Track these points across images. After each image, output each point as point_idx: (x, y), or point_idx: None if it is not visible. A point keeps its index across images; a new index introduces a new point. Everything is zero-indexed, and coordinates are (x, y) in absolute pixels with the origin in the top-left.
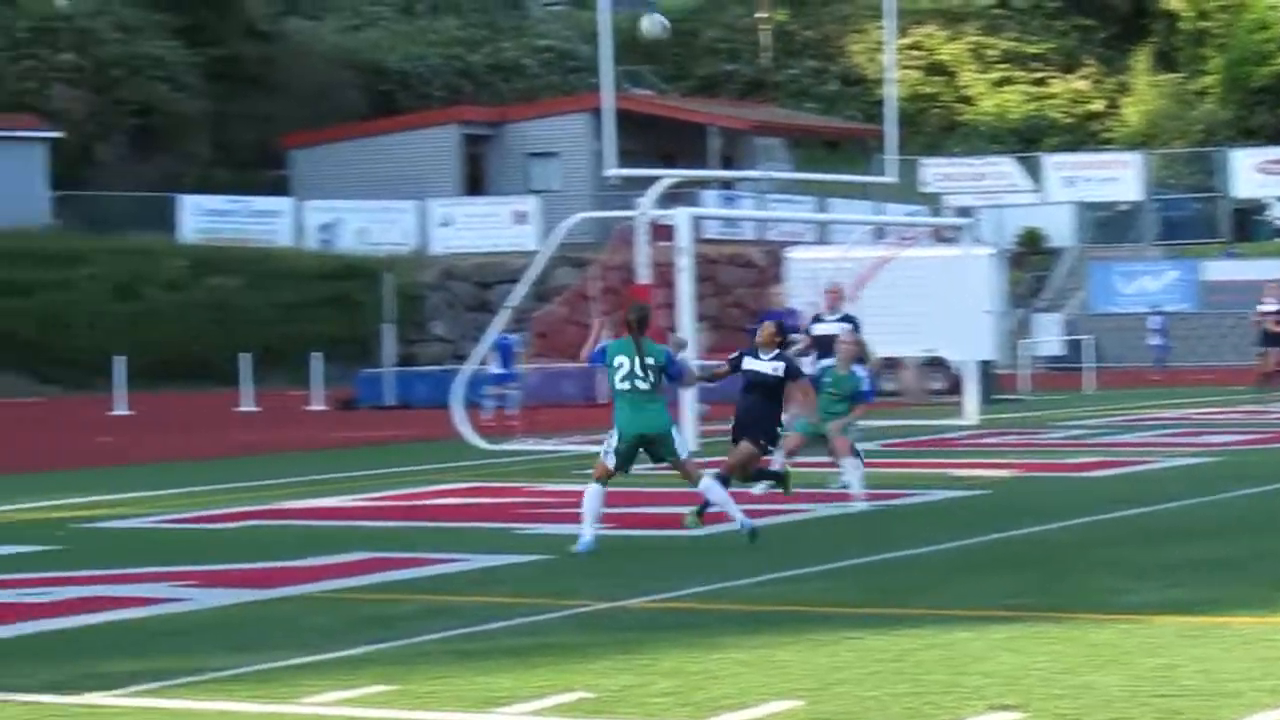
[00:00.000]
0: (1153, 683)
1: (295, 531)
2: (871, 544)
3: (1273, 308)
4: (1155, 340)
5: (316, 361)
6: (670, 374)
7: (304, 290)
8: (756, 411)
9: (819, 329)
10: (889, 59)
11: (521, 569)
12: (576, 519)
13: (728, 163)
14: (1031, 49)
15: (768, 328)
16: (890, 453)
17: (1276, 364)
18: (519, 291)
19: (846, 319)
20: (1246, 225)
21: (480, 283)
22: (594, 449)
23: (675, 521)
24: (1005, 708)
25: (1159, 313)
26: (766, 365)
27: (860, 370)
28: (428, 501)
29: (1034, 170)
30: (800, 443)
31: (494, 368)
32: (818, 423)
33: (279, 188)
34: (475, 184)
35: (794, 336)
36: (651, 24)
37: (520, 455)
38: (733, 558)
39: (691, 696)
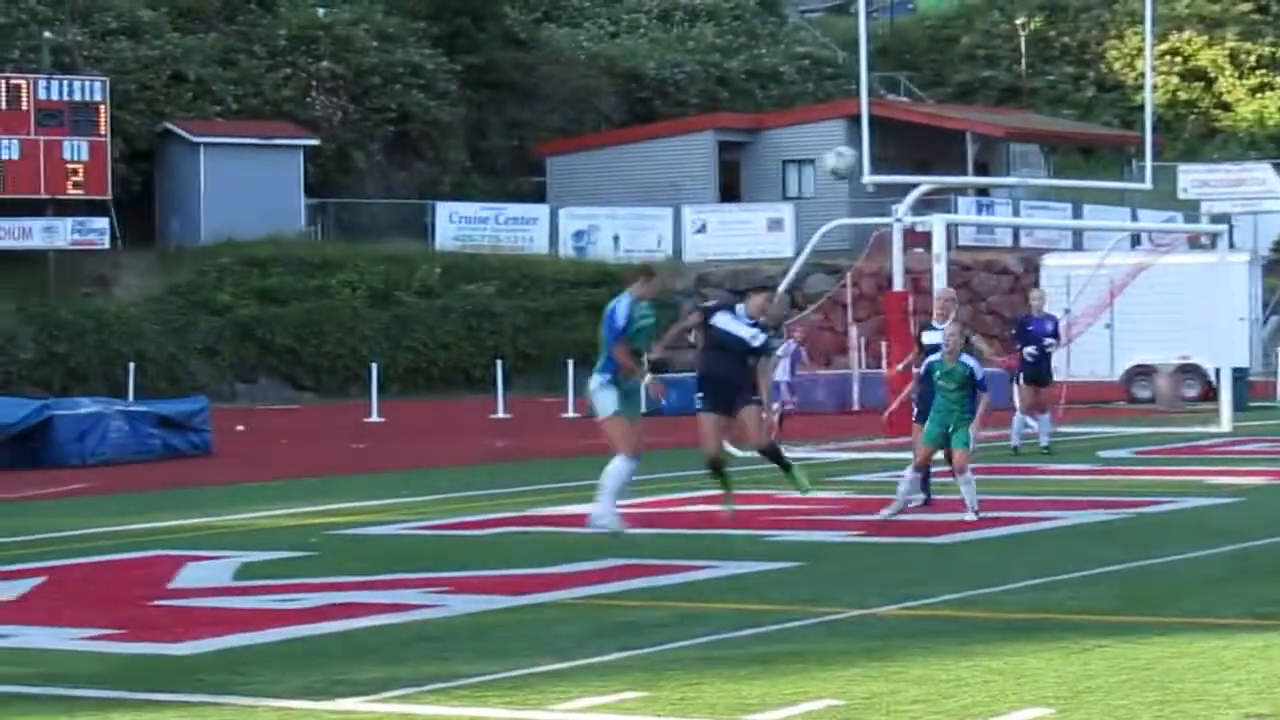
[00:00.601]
0: None
1: (548, 538)
2: (1123, 551)
3: None
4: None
5: (569, 369)
6: None
7: (558, 297)
8: (737, 378)
9: (929, 337)
10: (1147, 65)
11: (772, 575)
12: (827, 525)
13: (983, 169)
14: None
15: (755, 299)
16: (1144, 459)
17: None
18: (775, 298)
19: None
20: None
21: (734, 290)
22: (849, 455)
23: (931, 528)
24: (1258, 717)
25: None
26: (745, 330)
27: (968, 359)
28: (678, 509)
29: None
30: (929, 455)
31: (783, 375)
32: (934, 424)
33: (535, 195)
34: (730, 191)
35: (1048, 341)
36: (838, 159)
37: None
38: (983, 564)
39: (941, 704)
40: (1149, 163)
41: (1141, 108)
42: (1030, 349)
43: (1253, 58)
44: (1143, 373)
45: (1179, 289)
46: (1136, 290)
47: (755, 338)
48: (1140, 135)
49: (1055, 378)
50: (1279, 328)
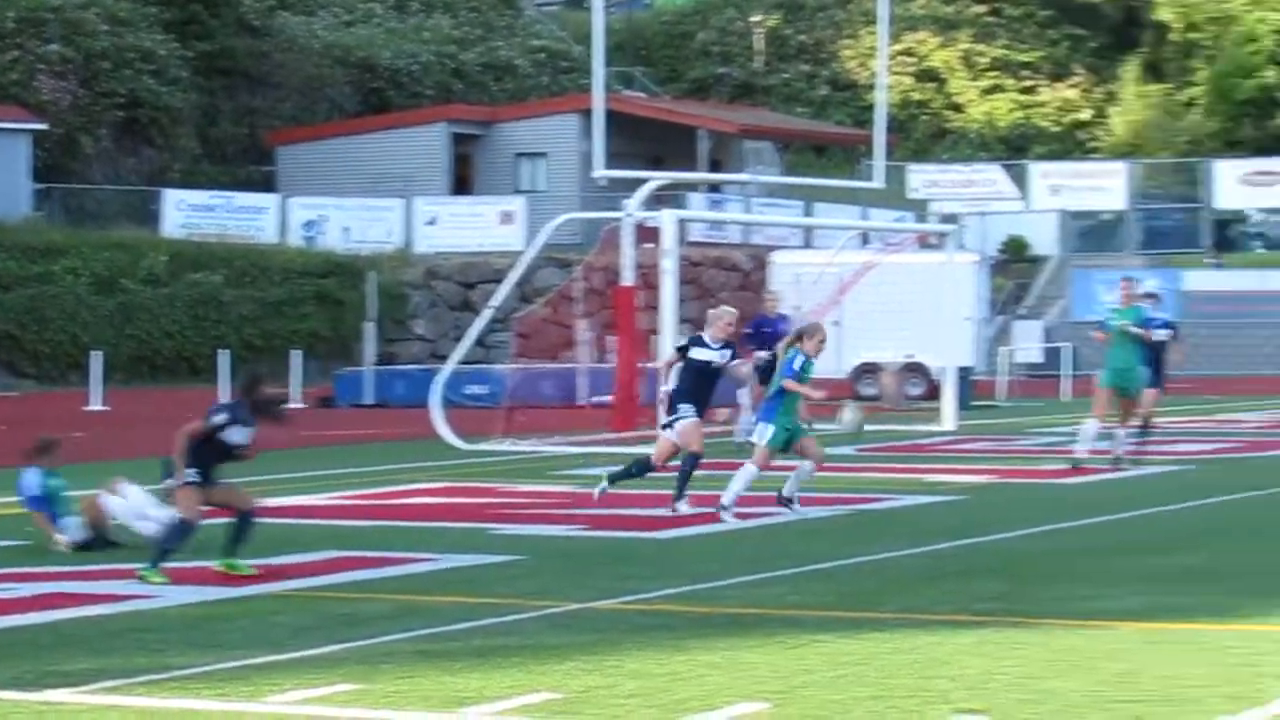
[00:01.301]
0: (1115, 688)
1: (267, 529)
2: (843, 548)
3: None
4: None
5: (297, 359)
6: None
7: (287, 287)
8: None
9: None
10: (880, 65)
11: (493, 569)
12: (550, 520)
13: (716, 166)
14: (1022, 57)
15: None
16: (866, 457)
17: None
18: (502, 291)
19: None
20: (1229, 236)
21: (464, 282)
22: (575, 450)
23: (648, 524)
24: (970, 712)
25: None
26: (714, 354)
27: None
28: (401, 501)
29: (1020, 178)
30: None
31: None
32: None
33: (265, 184)
34: (463, 183)
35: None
36: (853, 416)
37: (497, 455)
38: (704, 561)
39: (657, 698)
40: (880, 162)
41: (874, 107)
42: (763, 353)
43: (985, 59)
44: (869, 371)
45: (907, 288)
46: (865, 289)
47: (722, 356)
48: (872, 134)
49: None
50: (1004, 328)
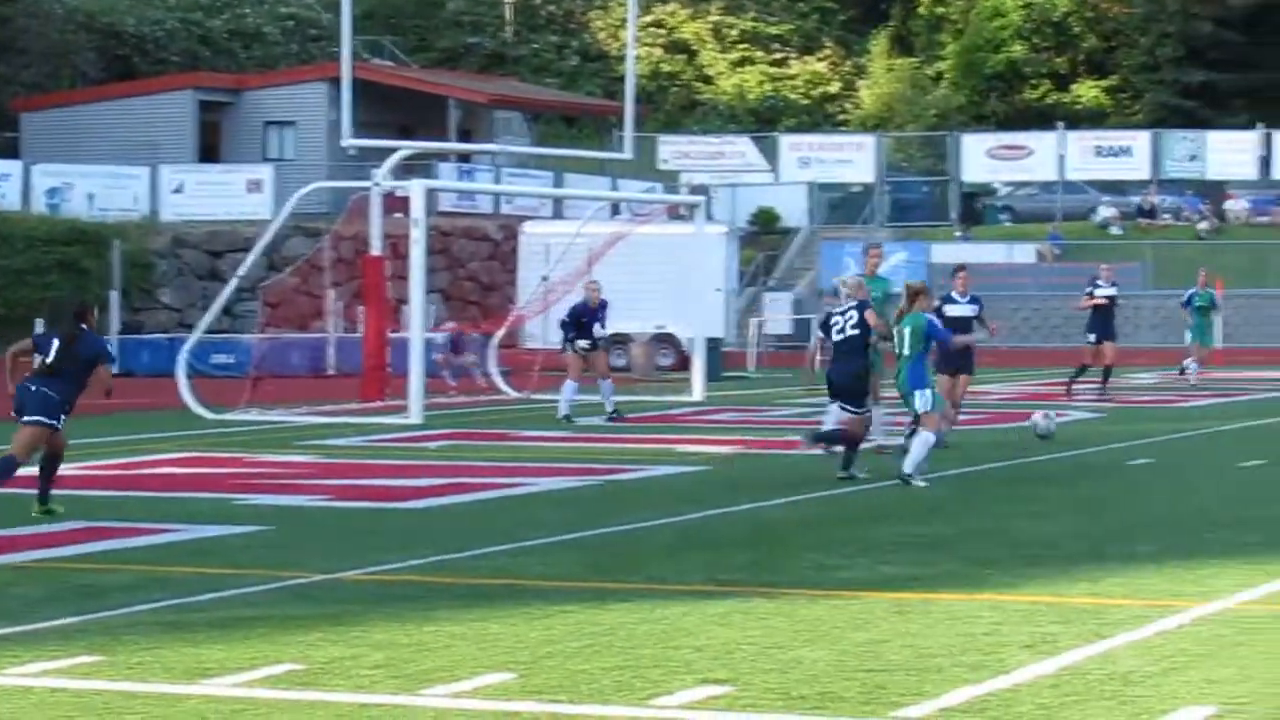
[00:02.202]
0: (860, 657)
1: (7, 500)
2: (592, 519)
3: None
4: None
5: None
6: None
7: (30, 255)
8: None
9: (951, 310)
10: (630, 36)
11: (238, 539)
12: (296, 490)
13: (466, 136)
14: (771, 30)
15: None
16: (616, 427)
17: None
18: (249, 260)
19: (974, 300)
20: (974, 209)
21: (211, 251)
22: (322, 420)
23: (397, 494)
24: (715, 681)
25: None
26: None
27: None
28: (147, 471)
29: (770, 150)
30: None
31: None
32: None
33: (9, 151)
34: (211, 151)
35: (597, 330)
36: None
37: (244, 425)
38: (453, 531)
39: (403, 669)
40: (630, 133)
41: (624, 78)
42: (583, 341)
43: (735, 32)
44: (619, 341)
45: (657, 259)
46: (615, 259)
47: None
48: (622, 105)
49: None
50: (754, 299)
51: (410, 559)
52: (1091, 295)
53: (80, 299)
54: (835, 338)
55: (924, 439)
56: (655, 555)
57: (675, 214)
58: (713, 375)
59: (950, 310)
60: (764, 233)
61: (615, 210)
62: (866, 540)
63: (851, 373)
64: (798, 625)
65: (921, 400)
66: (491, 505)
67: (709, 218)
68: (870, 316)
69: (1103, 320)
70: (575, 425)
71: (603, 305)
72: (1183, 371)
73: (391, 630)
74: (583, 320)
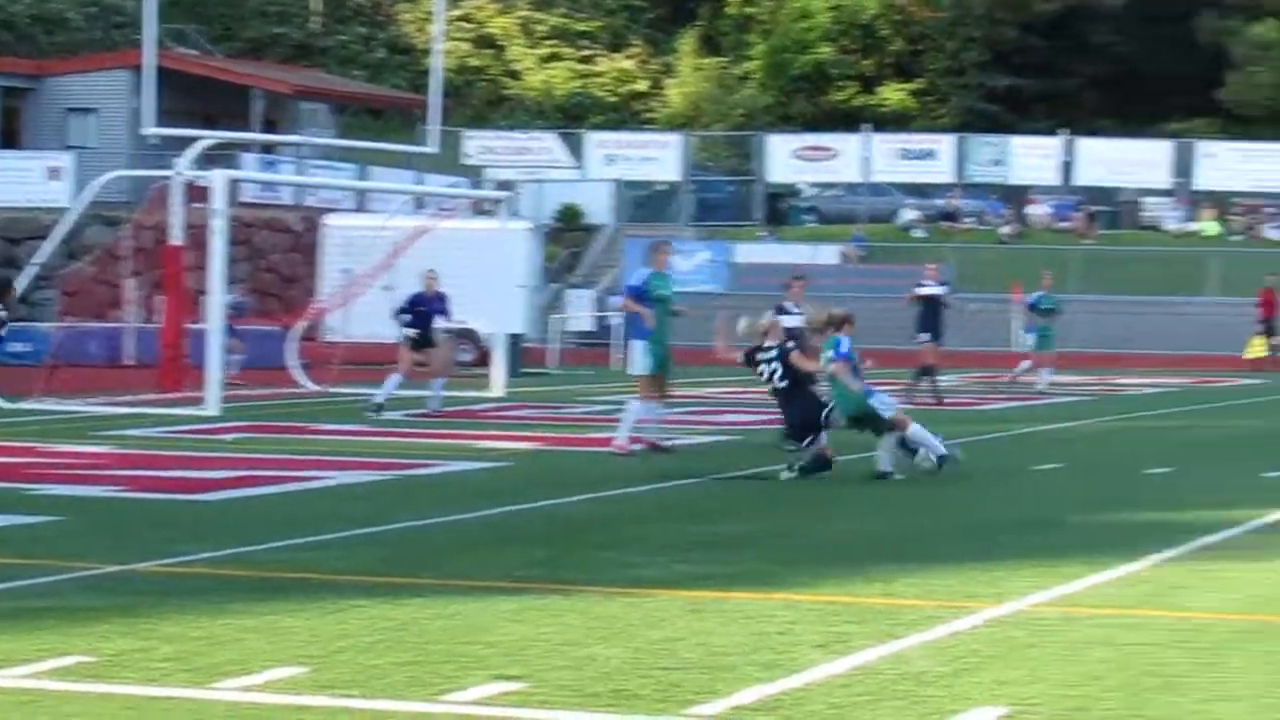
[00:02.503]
0: (654, 655)
1: None
2: (389, 514)
3: (936, 290)
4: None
5: None
6: None
7: None
8: None
9: (787, 321)
10: (437, 29)
11: (28, 530)
12: (90, 480)
13: (271, 127)
14: (580, 26)
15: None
16: (415, 423)
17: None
18: (46, 249)
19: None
20: (779, 210)
21: (9, 238)
22: (118, 410)
23: (192, 486)
24: (508, 678)
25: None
26: None
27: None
28: None
29: (576, 147)
30: None
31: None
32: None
33: None
34: (10, 137)
35: (439, 321)
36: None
37: (39, 414)
38: (249, 524)
39: (193, 661)
40: (435, 127)
41: (431, 72)
42: (411, 331)
43: (543, 27)
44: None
45: (460, 254)
46: (418, 254)
47: None
48: (428, 99)
49: (332, 338)
50: (557, 296)
51: (204, 551)
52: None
53: None
54: (767, 386)
55: (889, 442)
56: (451, 551)
57: (480, 209)
58: (513, 371)
59: (787, 321)
60: (568, 229)
61: (419, 204)
62: (663, 538)
63: (799, 418)
64: (592, 622)
65: (883, 407)
66: (287, 499)
67: (513, 213)
68: (798, 360)
69: (928, 320)
70: (377, 420)
71: (440, 296)
72: (1014, 378)
73: (183, 623)
74: (419, 309)
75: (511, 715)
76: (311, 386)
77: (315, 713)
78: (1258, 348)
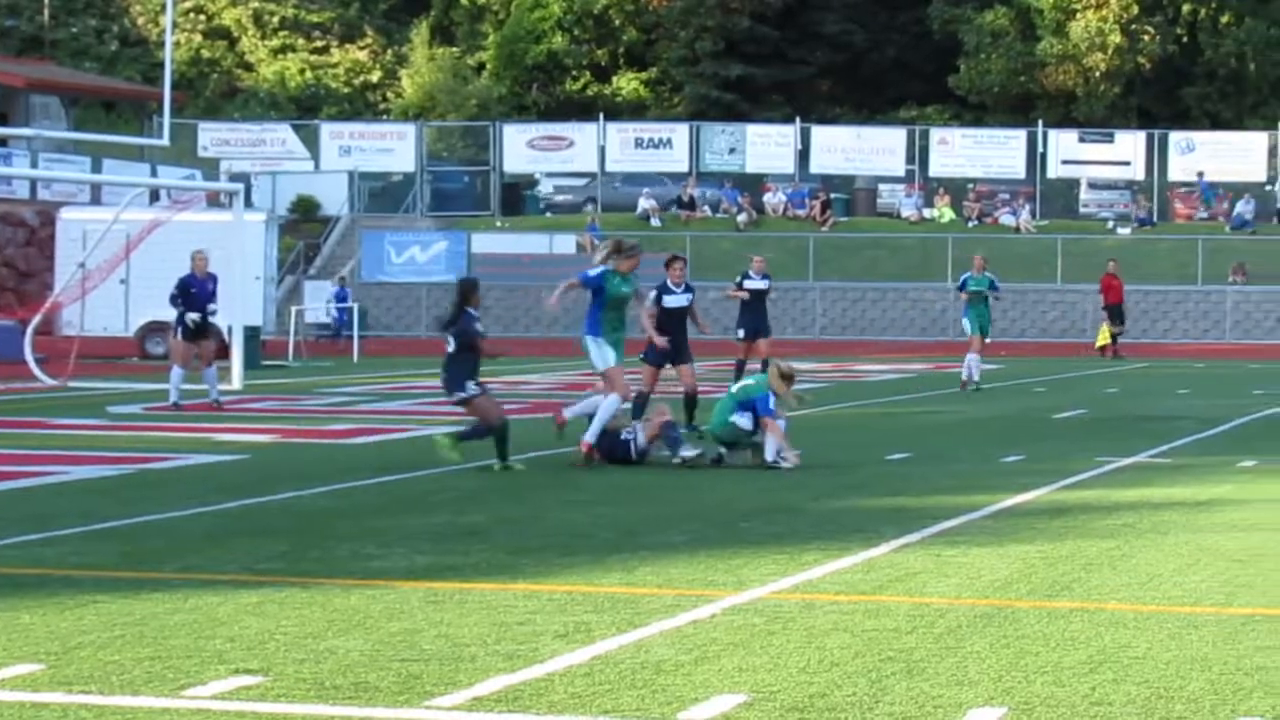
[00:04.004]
0: (395, 647)
1: None
2: (127, 508)
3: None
4: (335, 311)
5: None
6: None
7: None
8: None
9: (669, 301)
10: (168, 22)
11: None
12: None
13: (2, 120)
14: (313, 18)
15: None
16: (154, 416)
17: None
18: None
19: (689, 289)
20: (517, 199)
21: None
22: None
23: None
24: (248, 672)
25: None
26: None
27: None
28: None
29: (311, 138)
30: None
31: None
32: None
33: None
34: None
35: (212, 307)
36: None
37: None
38: None
39: None
40: (168, 119)
41: (163, 64)
42: (194, 314)
43: (276, 19)
44: (157, 329)
45: (196, 246)
46: (153, 247)
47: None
48: (161, 91)
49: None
50: (294, 288)
51: None
52: (740, 287)
53: None
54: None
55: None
56: (190, 545)
57: (214, 201)
58: (251, 364)
59: (668, 301)
60: (304, 221)
61: (155, 197)
62: (403, 530)
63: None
64: (332, 615)
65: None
66: (23, 493)
67: (248, 205)
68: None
69: (753, 315)
70: (111, 415)
71: (212, 278)
72: (967, 383)
73: None
74: (191, 290)
75: (251, 709)
76: (49, 381)
77: (53, 710)
78: (1105, 335)
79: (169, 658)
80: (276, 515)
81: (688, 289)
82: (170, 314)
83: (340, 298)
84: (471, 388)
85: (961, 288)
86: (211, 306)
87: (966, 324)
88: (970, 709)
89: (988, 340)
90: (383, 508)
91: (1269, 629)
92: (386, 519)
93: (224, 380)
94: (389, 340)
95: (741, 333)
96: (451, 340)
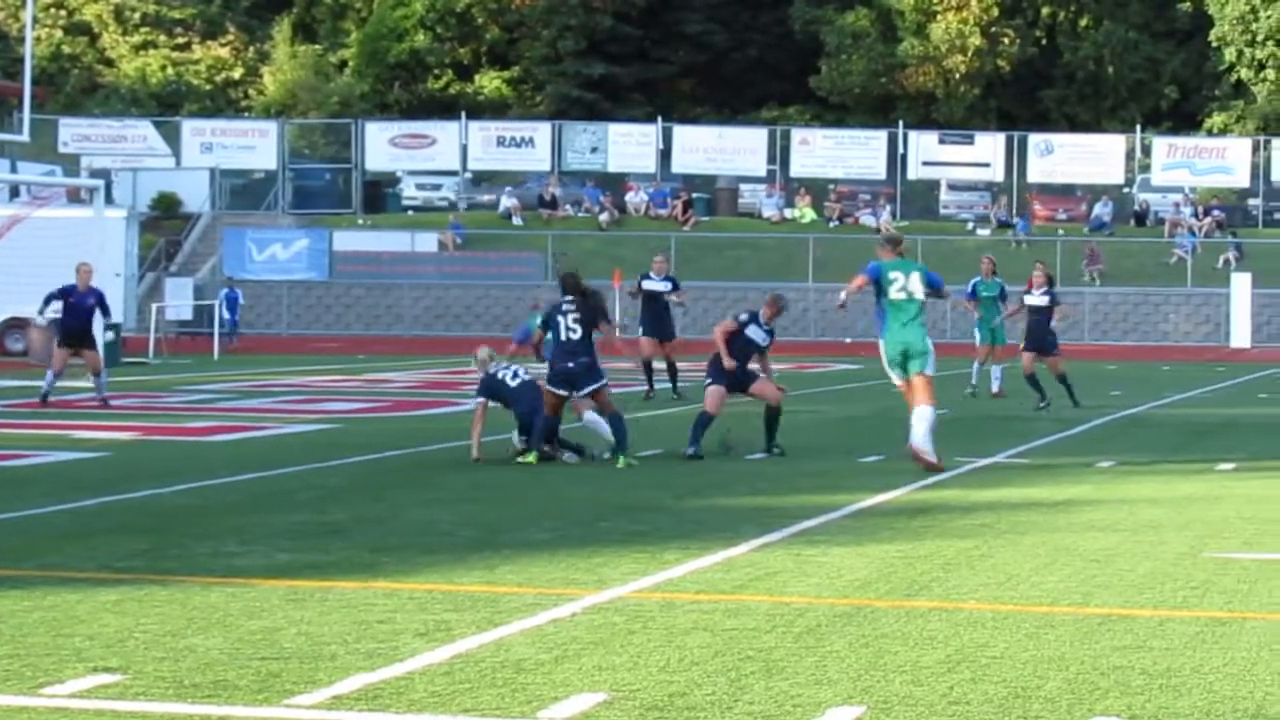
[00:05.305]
0: (254, 645)
1: None
2: None
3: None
4: (226, 314)
5: None
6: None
7: None
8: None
9: (648, 285)
10: (28, 17)
11: None
12: None
13: None
14: (174, 14)
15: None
16: (12, 413)
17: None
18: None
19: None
20: (378, 197)
21: None
22: None
23: None
24: (106, 670)
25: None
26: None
27: None
28: None
29: (172, 135)
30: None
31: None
32: None
33: None
34: None
35: (107, 322)
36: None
37: None
38: None
39: None
40: (27, 115)
41: (23, 59)
42: (74, 321)
43: (137, 15)
44: (17, 326)
45: (56, 243)
46: (13, 243)
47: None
48: (21, 87)
49: None
50: (155, 285)
51: None
52: (639, 287)
53: None
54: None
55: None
56: (49, 542)
57: (75, 197)
58: (112, 361)
59: (648, 285)
60: (165, 218)
61: (14, 193)
62: (263, 527)
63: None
64: (191, 613)
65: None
66: None
67: (109, 201)
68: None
69: (652, 316)
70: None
71: (94, 292)
72: (976, 391)
73: None
74: (70, 300)
75: (109, 708)
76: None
77: None
78: None
79: (27, 655)
80: (136, 513)
81: (669, 279)
82: (31, 311)
83: (231, 298)
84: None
85: (971, 295)
86: (107, 321)
87: (978, 334)
88: (829, 708)
89: (997, 347)
90: (241, 506)
91: (1125, 629)
92: (246, 517)
93: (84, 376)
94: (250, 338)
95: (641, 330)
96: (580, 328)
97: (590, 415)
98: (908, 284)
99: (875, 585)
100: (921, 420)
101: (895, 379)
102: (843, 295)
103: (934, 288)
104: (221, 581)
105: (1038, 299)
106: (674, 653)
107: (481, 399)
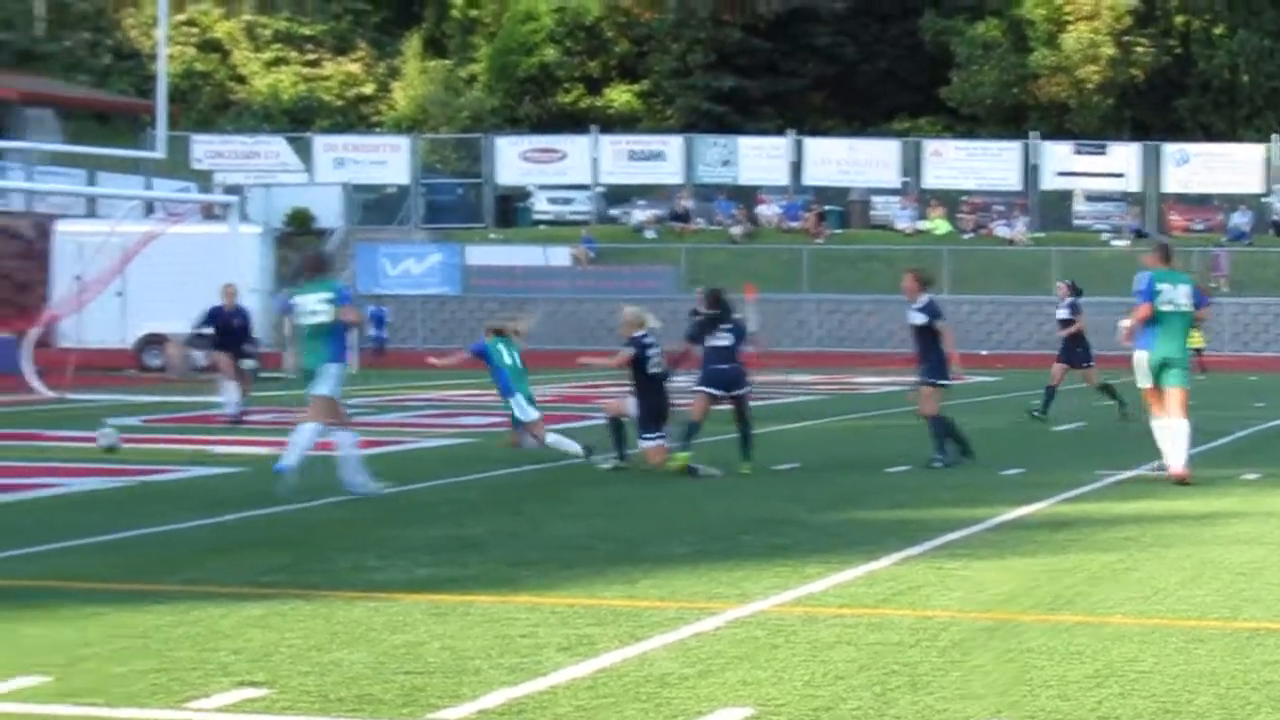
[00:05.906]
0: (398, 660)
1: None
2: (127, 520)
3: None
4: (372, 330)
5: None
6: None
7: None
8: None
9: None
10: (161, 34)
11: None
12: None
13: None
14: (305, 30)
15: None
16: (152, 428)
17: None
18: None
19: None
20: (510, 212)
21: None
22: None
23: None
24: (252, 684)
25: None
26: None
27: None
28: None
29: (304, 151)
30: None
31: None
32: None
33: None
34: None
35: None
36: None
37: None
38: None
39: None
40: (162, 132)
41: (156, 76)
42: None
43: (268, 32)
44: (154, 342)
45: (191, 259)
46: (149, 259)
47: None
48: (154, 104)
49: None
50: (283, 299)
51: None
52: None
53: None
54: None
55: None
56: (193, 557)
57: (209, 214)
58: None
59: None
60: (299, 234)
61: (150, 209)
62: (404, 542)
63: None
64: (335, 627)
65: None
66: (24, 506)
67: (243, 218)
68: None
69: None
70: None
71: (240, 311)
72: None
73: None
74: (218, 322)
75: None
76: (47, 393)
77: None
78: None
79: (173, 670)
80: (278, 527)
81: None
82: (168, 327)
83: (377, 316)
84: None
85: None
86: (247, 348)
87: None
88: None
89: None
90: (383, 519)
91: (1275, 643)
92: (387, 531)
93: (222, 392)
94: (386, 353)
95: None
96: (731, 336)
97: (553, 437)
98: (1175, 295)
99: (1020, 599)
100: (1180, 436)
101: (1143, 381)
102: (1124, 326)
103: (1199, 307)
104: (364, 596)
105: (1062, 312)
106: (818, 667)
107: (632, 350)
